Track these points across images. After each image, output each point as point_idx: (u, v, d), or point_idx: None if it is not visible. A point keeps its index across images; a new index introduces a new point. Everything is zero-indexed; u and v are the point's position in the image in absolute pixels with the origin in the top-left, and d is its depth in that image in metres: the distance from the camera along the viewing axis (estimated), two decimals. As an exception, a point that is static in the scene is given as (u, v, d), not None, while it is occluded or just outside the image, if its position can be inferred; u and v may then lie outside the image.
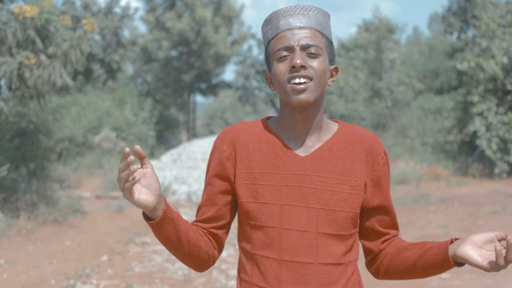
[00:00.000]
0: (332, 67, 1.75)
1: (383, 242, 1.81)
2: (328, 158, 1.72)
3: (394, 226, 1.82)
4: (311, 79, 1.66)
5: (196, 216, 1.79)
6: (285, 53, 1.68)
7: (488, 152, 13.92)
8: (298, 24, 1.69)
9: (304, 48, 1.67)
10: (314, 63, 1.67)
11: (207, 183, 1.77)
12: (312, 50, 1.67)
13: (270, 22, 1.75)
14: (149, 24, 29.48)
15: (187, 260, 1.74)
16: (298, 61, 1.64)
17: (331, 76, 1.75)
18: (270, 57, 1.74)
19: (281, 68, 1.68)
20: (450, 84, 20.53)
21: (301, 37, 1.68)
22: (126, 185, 1.53)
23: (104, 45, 26.69)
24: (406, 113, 19.74)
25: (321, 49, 1.68)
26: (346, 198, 1.70)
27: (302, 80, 1.65)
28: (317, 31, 1.70)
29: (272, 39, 1.73)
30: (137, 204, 1.56)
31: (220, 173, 1.74)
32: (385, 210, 1.78)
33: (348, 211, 1.69)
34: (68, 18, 8.19)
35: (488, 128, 14.22)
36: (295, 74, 1.65)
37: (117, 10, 27.85)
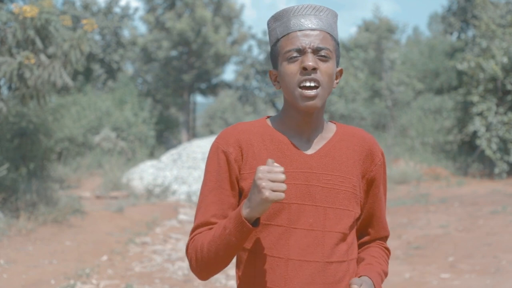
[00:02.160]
0: (338, 69, 1.75)
1: (360, 242, 1.85)
2: (334, 156, 1.72)
3: (379, 227, 1.84)
4: (319, 83, 1.66)
5: (202, 218, 1.72)
6: (296, 54, 1.67)
7: (488, 152, 13.92)
8: (309, 26, 1.68)
9: (315, 51, 1.67)
10: (324, 66, 1.67)
11: (215, 187, 1.71)
12: (323, 53, 1.67)
13: (279, 19, 1.73)
14: (149, 24, 29.46)
15: (222, 267, 1.69)
16: (310, 63, 1.64)
17: (336, 78, 1.76)
18: (278, 56, 1.72)
19: (291, 69, 1.67)
20: (450, 84, 20.55)
21: (313, 39, 1.67)
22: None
23: (104, 45, 26.69)
24: (406, 113, 19.75)
25: (331, 52, 1.69)
26: (350, 197, 1.71)
27: (312, 84, 1.65)
28: (328, 33, 1.70)
29: (281, 37, 1.71)
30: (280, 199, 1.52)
31: (230, 176, 1.71)
32: (373, 210, 1.81)
33: (351, 209, 1.71)
34: (68, 18, 8.18)
35: (488, 128, 14.22)
36: (306, 77, 1.65)
37: (117, 10, 27.87)
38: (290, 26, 1.70)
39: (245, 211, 1.56)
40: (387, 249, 1.88)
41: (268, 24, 1.78)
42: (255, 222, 1.59)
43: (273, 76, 1.76)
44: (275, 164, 1.54)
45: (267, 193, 1.50)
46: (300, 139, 1.74)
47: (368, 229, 1.84)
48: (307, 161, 1.70)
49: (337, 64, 1.74)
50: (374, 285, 1.68)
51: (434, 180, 13.77)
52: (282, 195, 1.51)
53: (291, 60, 1.67)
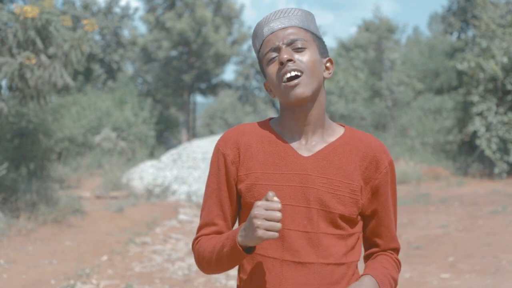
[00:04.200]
0: (325, 59, 1.76)
1: (369, 253, 1.83)
2: (332, 159, 1.72)
3: (388, 238, 1.81)
4: (301, 72, 1.67)
5: (206, 219, 1.79)
6: (273, 54, 1.71)
7: (488, 152, 13.93)
8: (280, 26, 1.72)
9: (289, 44, 1.69)
10: (302, 56, 1.69)
11: (216, 189, 1.76)
12: (298, 44, 1.69)
13: (256, 34, 1.78)
14: (149, 24, 29.46)
15: (223, 271, 1.76)
16: (284, 56, 1.66)
17: (327, 69, 1.76)
18: (263, 65, 1.76)
19: (272, 69, 1.70)
20: (450, 84, 20.55)
21: (285, 35, 1.70)
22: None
23: (104, 45, 26.70)
24: (406, 113, 19.75)
25: (306, 42, 1.70)
26: (346, 201, 1.70)
27: (293, 74, 1.66)
28: (300, 27, 1.72)
29: (260, 47, 1.76)
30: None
31: (227, 177, 1.75)
32: (380, 220, 1.78)
33: (346, 214, 1.70)
34: (68, 18, 8.18)
35: (488, 128, 14.22)
36: (285, 69, 1.67)
37: (117, 10, 27.87)
38: (263, 33, 1.74)
39: (239, 237, 1.60)
40: (398, 260, 1.82)
41: (252, 43, 1.84)
42: (249, 248, 1.63)
43: (268, 87, 1.79)
44: (275, 198, 1.55)
45: (260, 233, 1.53)
46: (299, 142, 1.74)
47: (377, 240, 1.80)
48: (303, 163, 1.70)
49: (323, 55, 1.75)
50: (379, 284, 1.65)
51: (434, 180, 13.78)
52: (276, 234, 1.53)
53: (271, 61, 1.71)
